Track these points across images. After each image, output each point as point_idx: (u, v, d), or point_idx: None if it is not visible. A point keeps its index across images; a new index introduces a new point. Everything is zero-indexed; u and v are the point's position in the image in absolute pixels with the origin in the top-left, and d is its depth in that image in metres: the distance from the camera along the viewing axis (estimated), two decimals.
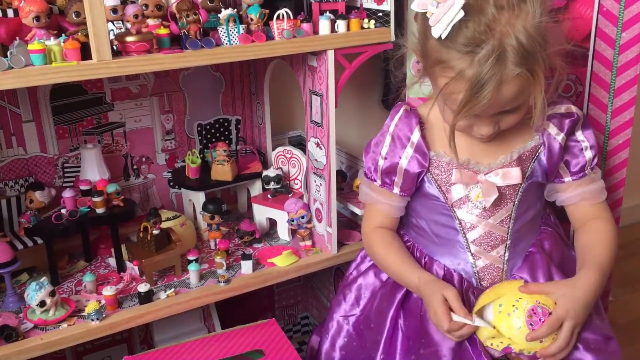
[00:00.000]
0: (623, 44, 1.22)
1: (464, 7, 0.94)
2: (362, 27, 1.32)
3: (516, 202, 1.14)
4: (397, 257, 1.18)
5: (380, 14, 1.33)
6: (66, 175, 1.48)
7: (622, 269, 1.94)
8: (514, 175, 1.11)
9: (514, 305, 1.03)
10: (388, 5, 1.31)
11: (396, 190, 1.18)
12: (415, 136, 1.14)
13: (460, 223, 1.15)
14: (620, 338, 1.14)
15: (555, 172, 1.16)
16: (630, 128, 1.29)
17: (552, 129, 1.13)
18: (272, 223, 1.56)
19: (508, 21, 0.95)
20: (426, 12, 0.99)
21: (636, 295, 2.13)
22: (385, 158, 1.17)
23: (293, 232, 1.51)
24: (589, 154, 1.15)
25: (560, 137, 1.13)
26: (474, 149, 1.12)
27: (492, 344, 1.04)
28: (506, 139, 1.12)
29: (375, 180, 1.20)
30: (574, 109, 1.14)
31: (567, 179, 1.17)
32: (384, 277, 1.24)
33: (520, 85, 0.97)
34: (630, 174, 1.37)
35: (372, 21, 1.32)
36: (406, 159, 1.14)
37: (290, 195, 1.52)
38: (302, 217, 1.44)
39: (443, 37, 0.97)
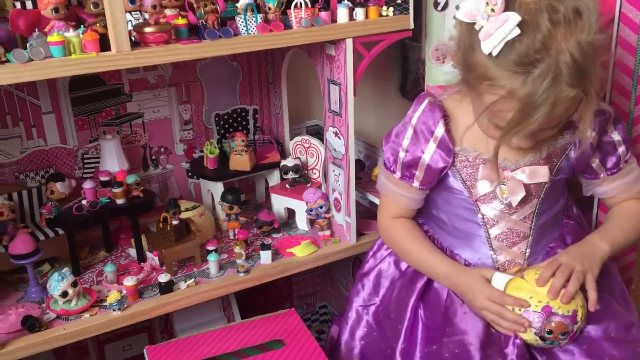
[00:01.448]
0: None
1: (519, 24, 0.89)
2: (381, 15, 1.30)
3: (541, 198, 1.12)
4: (424, 248, 1.17)
5: (399, 1, 1.31)
6: (86, 166, 1.49)
7: None
8: (542, 174, 1.09)
9: (536, 274, 1.06)
10: None
11: (416, 184, 1.16)
12: (440, 131, 1.11)
13: (483, 218, 1.13)
14: None
15: (584, 168, 1.14)
16: None
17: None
18: (291, 213, 1.56)
19: (564, 38, 0.90)
20: (474, 24, 0.94)
21: None
22: (407, 151, 1.14)
23: (312, 222, 1.51)
24: (622, 149, 1.13)
25: (592, 135, 1.10)
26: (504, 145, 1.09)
27: (531, 306, 1.04)
28: None
29: (394, 172, 1.18)
30: (605, 106, 1.11)
31: (603, 174, 1.15)
32: (403, 266, 1.23)
33: (572, 105, 0.95)
34: None
35: (391, 9, 1.31)
36: (429, 154, 1.12)
37: (308, 185, 1.52)
38: (321, 207, 1.44)
39: (494, 54, 0.92)
